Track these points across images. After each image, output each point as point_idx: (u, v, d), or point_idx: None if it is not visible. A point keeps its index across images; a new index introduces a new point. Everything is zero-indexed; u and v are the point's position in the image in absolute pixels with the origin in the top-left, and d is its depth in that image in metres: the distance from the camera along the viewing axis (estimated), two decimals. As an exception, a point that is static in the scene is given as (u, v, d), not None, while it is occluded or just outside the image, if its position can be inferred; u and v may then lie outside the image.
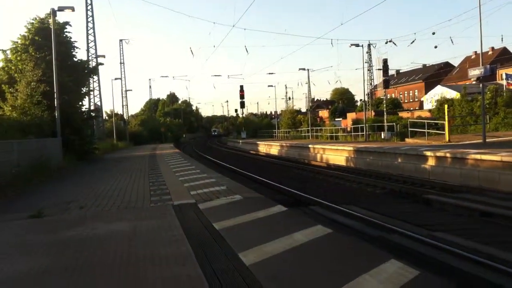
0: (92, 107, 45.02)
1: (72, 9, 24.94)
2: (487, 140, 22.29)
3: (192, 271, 5.19)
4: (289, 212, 8.72)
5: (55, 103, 24.08)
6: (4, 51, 27.70)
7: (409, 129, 31.71)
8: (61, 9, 24.93)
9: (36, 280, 5.35)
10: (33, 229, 8.42)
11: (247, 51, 75.45)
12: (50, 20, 25.76)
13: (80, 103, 31.85)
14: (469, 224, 10.41)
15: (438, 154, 18.26)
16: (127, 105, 67.75)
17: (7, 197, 13.25)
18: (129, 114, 77.67)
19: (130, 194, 12.14)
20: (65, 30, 29.20)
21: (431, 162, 18.67)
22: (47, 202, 11.42)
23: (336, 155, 28.59)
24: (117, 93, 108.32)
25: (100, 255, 6.26)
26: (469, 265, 7.14)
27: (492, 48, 73.74)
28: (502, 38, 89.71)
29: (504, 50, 71.78)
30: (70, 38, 29.81)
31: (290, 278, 4.89)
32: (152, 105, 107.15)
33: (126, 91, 67.03)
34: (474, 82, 31.17)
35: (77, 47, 30.64)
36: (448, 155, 17.70)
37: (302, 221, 7.84)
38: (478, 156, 16.18)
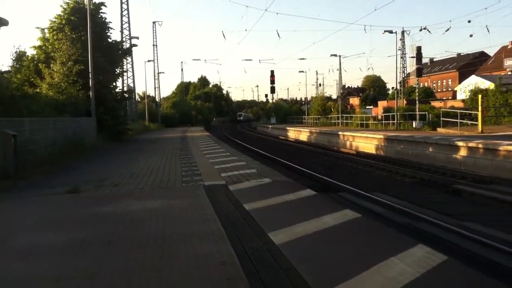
0: (125, 88, 45.67)
1: (108, -10, 25.29)
2: (521, 132, 21.90)
3: (223, 249, 5.36)
4: (318, 196, 8.84)
5: (90, 82, 24.57)
6: (42, 30, 28.28)
7: (441, 118, 31.24)
8: (96, -11, 25.32)
9: (76, 249, 5.64)
10: (71, 203, 8.77)
11: (278, 36, 75.35)
12: (86, 0, 26.19)
13: (114, 83, 32.36)
14: (499, 216, 10.34)
15: (470, 144, 18.02)
16: (159, 87, 68.35)
17: (44, 173, 13.70)
18: (161, 97, 78.50)
19: (162, 174, 12.42)
20: (100, 11, 29.64)
21: (462, 152, 18.45)
22: (83, 179, 11.79)
23: (366, 142, 28.46)
24: (150, 75, 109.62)
25: (135, 230, 6.50)
26: (499, 255, 7.13)
27: (529, 38, 71.57)
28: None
29: (542, 40, 69.61)
30: (105, 19, 30.30)
31: (319, 258, 5.02)
32: (184, 88, 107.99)
33: (158, 73, 67.59)
34: (510, 73, 30.47)
35: (111, 28, 31.14)
36: (480, 145, 17.46)
37: (331, 205, 7.96)
38: (511, 148, 15.94)
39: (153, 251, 5.42)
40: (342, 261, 4.92)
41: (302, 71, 73.40)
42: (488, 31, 64.64)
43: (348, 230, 6.16)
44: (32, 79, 24.82)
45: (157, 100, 71.35)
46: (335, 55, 57.37)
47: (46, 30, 28.16)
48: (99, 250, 5.58)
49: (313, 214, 6.89)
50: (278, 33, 69.32)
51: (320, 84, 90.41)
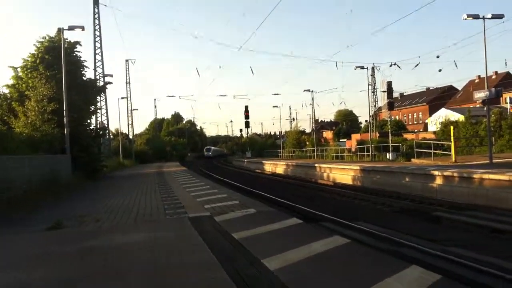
0: (98, 125, 45.24)
1: (82, 28, 25.41)
2: (493, 161, 22.41)
3: (218, 276, 5.33)
4: (305, 225, 8.88)
5: (65, 120, 24.38)
6: (14, 68, 28.07)
7: (415, 149, 31.82)
8: (71, 28, 25.29)
9: (64, 286, 5.50)
10: (54, 240, 8.59)
11: (252, 72, 75.97)
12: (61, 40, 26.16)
13: (88, 121, 32.23)
14: (480, 240, 10.51)
15: (446, 173, 18.38)
16: (132, 124, 67.94)
17: (21, 211, 13.35)
18: (135, 133, 77.98)
19: (144, 208, 12.29)
20: (75, 49, 29.62)
21: (438, 181, 18.78)
22: (62, 216, 11.52)
23: (343, 174, 28.71)
24: (123, 112, 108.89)
25: (124, 264, 6.40)
26: (486, 278, 7.22)
27: (496, 73, 73.67)
28: (505, 63, 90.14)
29: (508, 74, 71.88)
30: (80, 57, 30.22)
31: (316, 281, 5.04)
32: (157, 124, 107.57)
33: (132, 110, 67.26)
34: (478, 106, 31.36)
35: (86, 66, 31.08)
36: (455, 174, 17.82)
37: (319, 233, 8.01)
38: (486, 176, 16.30)
39: (146, 282, 5.35)
40: (340, 283, 4.95)
41: (276, 106, 74.04)
42: (456, 66, 66.15)
43: (340, 254, 6.21)
44: (6, 118, 24.56)
45: (130, 137, 70.86)
46: (308, 90, 58.00)
47: (19, 69, 27.98)
48: (90, 285, 5.47)
49: (303, 241, 6.92)
50: (252, 70, 70.44)
51: (293, 119, 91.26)
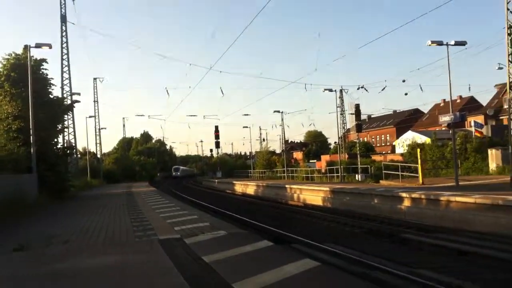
0: (66, 144, 44.47)
1: (50, 46, 25.12)
2: (459, 183, 22.87)
3: (189, 301, 5.28)
4: (276, 247, 8.89)
5: (31, 139, 23.92)
6: None
7: (384, 171, 32.29)
8: (38, 45, 24.96)
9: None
10: (20, 262, 8.40)
11: (222, 93, 75.50)
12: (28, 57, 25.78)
13: (55, 139, 31.67)
14: (447, 262, 10.67)
15: (414, 195, 18.69)
16: (100, 143, 67.02)
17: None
18: (103, 152, 76.87)
19: (113, 230, 12.10)
20: (41, 67, 29.15)
21: (406, 203, 19.07)
22: (29, 237, 11.28)
23: (313, 195, 28.86)
24: (91, 131, 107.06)
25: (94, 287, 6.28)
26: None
27: (460, 97, 76.04)
28: (469, 88, 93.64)
29: (472, 98, 74.35)
30: (47, 75, 29.69)
31: (288, 306, 5.05)
32: (125, 143, 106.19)
33: (100, 129, 66.39)
34: (444, 129, 32.07)
35: (53, 84, 30.58)
36: (423, 196, 18.14)
37: (290, 255, 8.02)
38: (452, 198, 16.63)
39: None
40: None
41: (246, 127, 73.91)
42: (422, 90, 67.71)
43: (310, 278, 6.23)
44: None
45: (98, 156, 69.89)
46: (278, 111, 58.47)
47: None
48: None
49: (274, 264, 6.92)
50: (221, 90, 70.53)
51: (264, 139, 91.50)
